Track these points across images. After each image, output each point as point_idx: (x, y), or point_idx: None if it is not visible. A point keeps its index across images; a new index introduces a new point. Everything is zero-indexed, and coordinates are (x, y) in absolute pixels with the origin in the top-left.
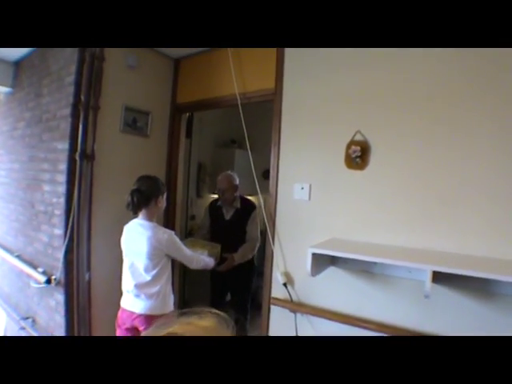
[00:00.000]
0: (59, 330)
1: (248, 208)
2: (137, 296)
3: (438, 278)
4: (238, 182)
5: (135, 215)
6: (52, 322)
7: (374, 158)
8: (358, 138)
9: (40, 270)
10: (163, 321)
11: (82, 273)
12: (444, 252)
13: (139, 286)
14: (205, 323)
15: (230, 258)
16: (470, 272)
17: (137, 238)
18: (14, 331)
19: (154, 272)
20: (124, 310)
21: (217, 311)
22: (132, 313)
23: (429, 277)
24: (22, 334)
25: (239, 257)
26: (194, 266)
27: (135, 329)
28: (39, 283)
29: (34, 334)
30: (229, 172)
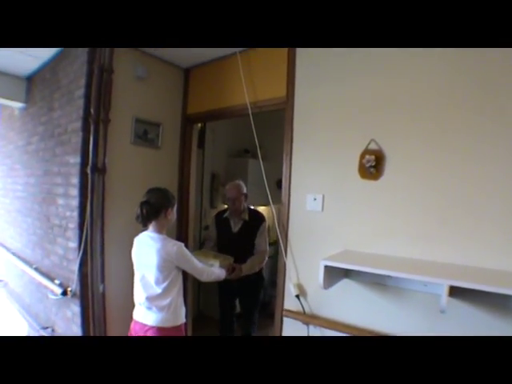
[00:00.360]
0: None
1: (256, 220)
2: (148, 308)
3: (455, 292)
4: (246, 190)
5: (145, 227)
6: (69, 331)
7: (388, 168)
8: (373, 146)
9: (57, 281)
10: None
11: (96, 285)
12: (461, 265)
13: (150, 299)
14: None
15: (237, 268)
16: (489, 287)
17: (147, 251)
18: None
19: (165, 284)
20: (136, 322)
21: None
22: (144, 325)
23: (445, 291)
24: None
25: (247, 268)
26: (204, 278)
27: None
28: (56, 295)
29: None
30: (237, 181)
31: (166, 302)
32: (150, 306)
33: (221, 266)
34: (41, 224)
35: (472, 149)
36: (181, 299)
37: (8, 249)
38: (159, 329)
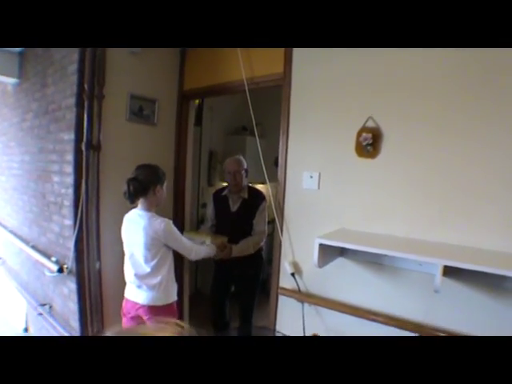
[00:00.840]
0: (73, 317)
1: (256, 199)
2: (139, 287)
3: (450, 271)
4: (246, 166)
5: (133, 205)
6: (66, 308)
7: (386, 146)
8: (370, 124)
9: (53, 259)
10: (116, 331)
11: (92, 262)
12: (457, 245)
13: (140, 277)
14: (160, 335)
15: (228, 247)
16: (483, 268)
17: (135, 229)
18: (33, 317)
19: (153, 263)
20: (128, 301)
21: (182, 324)
22: (135, 303)
23: (439, 271)
24: (41, 319)
25: (238, 250)
26: (193, 256)
27: (139, 317)
28: (52, 272)
29: (51, 320)
30: (237, 156)
31: (155, 280)
32: (140, 284)
33: (212, 243)
34: (37, 201)
35: (472, 130)
36: (171, 277)
37: (5, 227)
38: (150, 307)
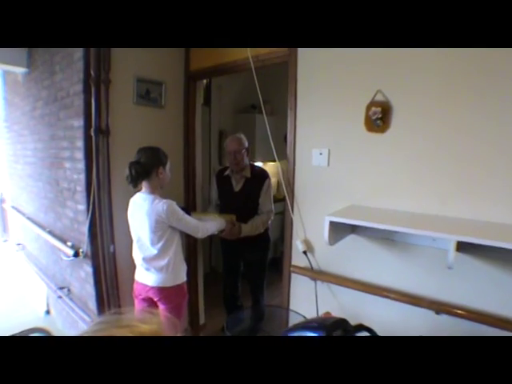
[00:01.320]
0: (91, 299)
1: (259, 177)
2: (147, 269)
3: (463, 247)
4: (247, 145)
5: (136, 188)
6: (84, 291)
7: (395, 120)
8: (379, 98)
9: (69, 243)
10: (102, 319)
11: (106, 245)
12: (470, 220)
13: (148, 260)
14: (144, 328)
15: (237, 226)
16: (497, 243)
17: (139, 212)
18: (53, 300)
19: (160, 245)
20: (138, 283)
21: (169, 315)
22: (145, 285)
23: (453, 247)
24: (60, 302)
25: (248, 229)
26: (200, 235)
27: (150, 299)
28: (69, 256)
29: (70, 302)
30: (238, 134)
31: (163, 262)
32: (148, 267)
33: (220, 218)
34: (51, 188)
35: (484, 104)
36: (180, 258)
37: (23, 213)
38: (160, 289)
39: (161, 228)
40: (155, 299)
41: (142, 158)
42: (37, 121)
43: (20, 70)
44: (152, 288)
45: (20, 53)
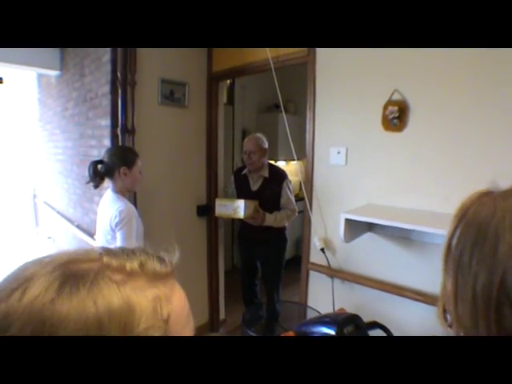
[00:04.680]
0: None
1: (277, 177)
2: None
3: None
4: (267, 146)
5: (98, 189)
6: None
7: (413, 119)
8: (396, 97)
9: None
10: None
11: None
12: None
13: None
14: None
15: (261, 213)
16: None
17: (101, 208)
18: None
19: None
20: None
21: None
22: None
23: None
24: None
25: (271, 219)
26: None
27: None
28: None
29: None
30: (257, 134)
31: None
32: None
33: (246, 205)
34: (79, 184)
35: (502, 101)
36: None
37: (54, 208)
38: None
39: (108, 232)
40: None
41: (104, 158)
42: (67, 120)
43: (53, 73)
44: None
45: (54, 56)
